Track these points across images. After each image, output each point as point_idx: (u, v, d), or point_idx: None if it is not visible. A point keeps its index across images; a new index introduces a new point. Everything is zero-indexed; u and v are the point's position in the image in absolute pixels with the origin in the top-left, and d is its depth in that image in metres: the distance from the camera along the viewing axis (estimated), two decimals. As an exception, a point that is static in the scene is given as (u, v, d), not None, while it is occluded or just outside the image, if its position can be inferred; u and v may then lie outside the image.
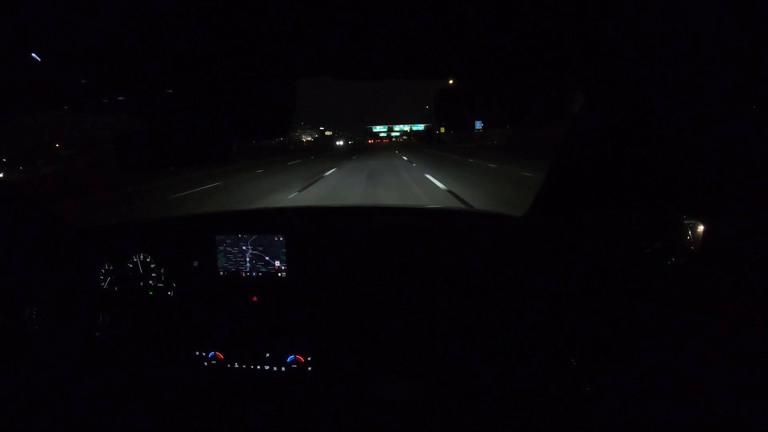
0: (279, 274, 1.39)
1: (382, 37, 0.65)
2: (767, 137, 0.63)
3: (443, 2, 0.54)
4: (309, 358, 1.31)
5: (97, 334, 1.43)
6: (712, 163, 0.72)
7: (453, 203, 6.32)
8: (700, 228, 0.76)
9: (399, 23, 0.59)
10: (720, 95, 0.65)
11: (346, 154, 33.04)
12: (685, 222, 0.80)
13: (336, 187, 9.51)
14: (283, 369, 1.32)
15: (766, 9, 0.50)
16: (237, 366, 1.34)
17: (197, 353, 1.37)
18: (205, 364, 1.36)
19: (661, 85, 0.70)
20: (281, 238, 1.38)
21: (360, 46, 0.68)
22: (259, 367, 1.33)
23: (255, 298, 1.39)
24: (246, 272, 1.41)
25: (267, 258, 1.39)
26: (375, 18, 0.58)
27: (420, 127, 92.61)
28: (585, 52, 0.69)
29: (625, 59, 0.70)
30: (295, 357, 1.31)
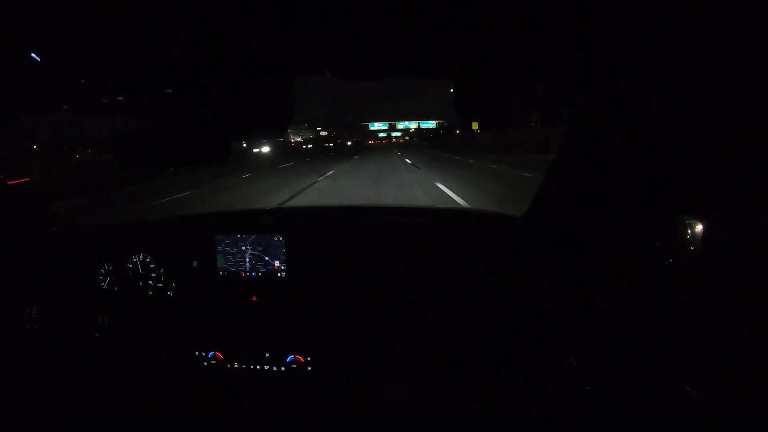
0: (279, 274, 1.39)
1: (382, 37, 0.65)
2: (767, 137, 0.63)
3: (443, 1, 0.54)
4: (309, 358, 1.31)
5: (97, 334, 1.43)
6: (712, 163, 0.72)
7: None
8: (700, 228, 0.76)
9: (399, 23, 0.59)
10: (720, 95, 0.65)
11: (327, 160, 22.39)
12: (685, 222, 0.80)
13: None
14: (282, 369, 1.32)
15: (766, 9, 0.50)
16: (237, 366, 1.34)
17: (197, 353, 1.37)
18: (205, 364, 1.36)
19: (662, 84, 0.70)
20: (281, 238, 1.38)
21: (360, 46, 0.68)
22: (258, 367, 1.33)
23: (254, 298, 1.39)
24: (245, 272, 1.41)
25: (267, 258, 1.39)
26: (375, 18, 0.58)
27: (430, 124, 73.04)
28: (585, 51, 0.69)
29: (625, 59, 0.70)
30: (294, 357, 1.31)
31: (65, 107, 0.89)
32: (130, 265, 1.46)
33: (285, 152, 41.65)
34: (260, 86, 0.76)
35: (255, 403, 1.36)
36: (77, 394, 1.39)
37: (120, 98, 0.83)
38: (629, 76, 0.73)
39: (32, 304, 1.40)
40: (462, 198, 7.51)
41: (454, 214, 1.62)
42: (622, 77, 0.74)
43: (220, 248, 1.41)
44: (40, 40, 0.60)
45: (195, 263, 1.43)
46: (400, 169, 15.38)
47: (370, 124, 79.03)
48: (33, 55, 0.62)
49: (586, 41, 0.65)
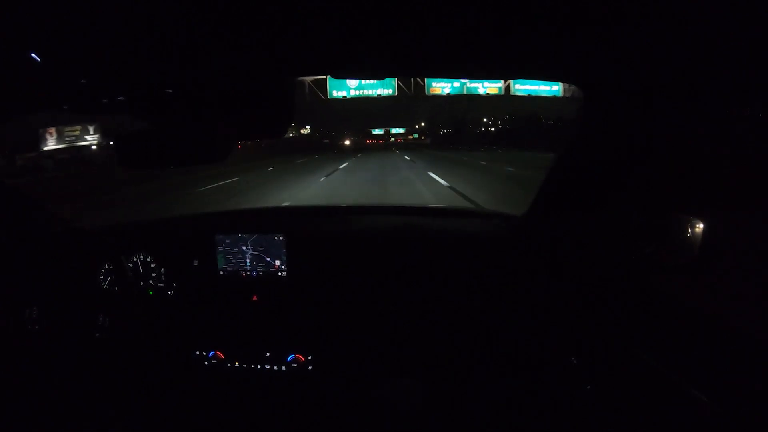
0: (279, 274, 1.39)
1: (382, 37, 0.65)
2: (767, 137, 0.63)
3: (443, 1, 0.54)
4: (309, 358, 1.31)
5: (97, 334, 1.43)
6: (712, 164, 0.72)
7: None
8: (700, 228, 0.76)
9: (399, 23, 0.59)
10: (720, 95, 0.65)
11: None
12: (686, 222, 0.80)
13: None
14: (283, 368, 1.32)
15: (766, 9, 0.50)
16: (237, 365, 1.35)
17: (197, 353, 1.37)
18: (206, 363, 1.36)
19: (662, 85, 0.70)
20: (281, 238, 1.38)
21: (360, 46, 0.68)
22: (259, 366, 1.33)
23: (255, 298, 1.39)
24: (246, 272, 1.41)
25: (267, 258, 1.39)
26: (375, 18, 0.58)
27: (546, 88, 12.88)
28: (585, 52, 0.69)
29: (625, 59, 0.70)
30: (295, 356, 1.32)
31: (65, 107, 0.89)
32: (131, 265, 1.46)
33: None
34: (260, 86, 0.76)
35: (255, 403, 1.36)
36: (77, 394, 1.39)
37: (120, 98, 0.83)
38: (629, 76, 0.73)
39: (32, 304, 1.40)
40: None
41: (454, 213, 1.62)
42: (622, 77, 0.74)
43: (220, 248, 1.41)
44: (40, 40, 0.60)
45: (195, 263, 1.43)
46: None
47: (333, 88, 14.52)
48: (33, 55, 0.62)
49: (586, 41, 0.65)
